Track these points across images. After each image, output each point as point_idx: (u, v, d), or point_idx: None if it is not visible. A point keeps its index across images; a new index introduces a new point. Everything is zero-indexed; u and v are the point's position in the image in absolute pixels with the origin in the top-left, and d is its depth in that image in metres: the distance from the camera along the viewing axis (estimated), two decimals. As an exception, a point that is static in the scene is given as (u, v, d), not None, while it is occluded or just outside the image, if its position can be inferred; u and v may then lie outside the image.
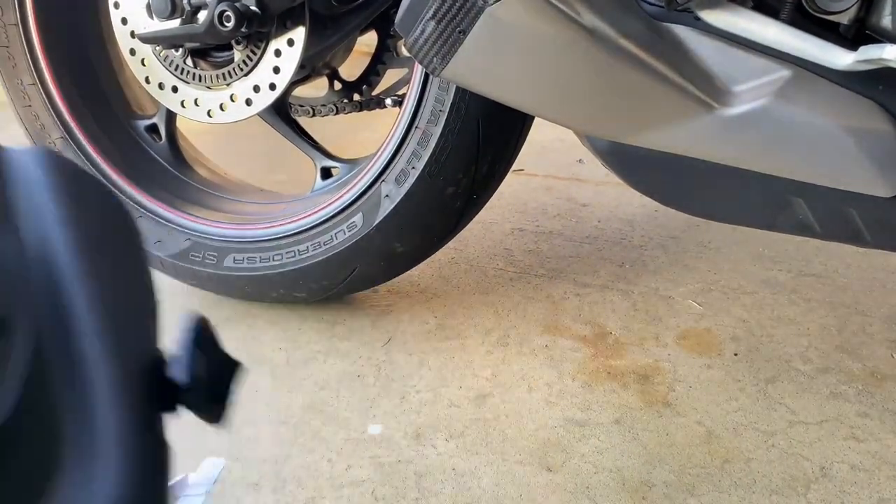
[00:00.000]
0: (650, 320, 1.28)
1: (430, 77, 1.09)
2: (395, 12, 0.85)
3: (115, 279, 0.37)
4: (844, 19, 0.79)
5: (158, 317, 0.40)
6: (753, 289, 1.37)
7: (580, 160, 1.92)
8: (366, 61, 1.36)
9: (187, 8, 1.09)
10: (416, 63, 1.03)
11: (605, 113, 0.86)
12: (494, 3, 0.79)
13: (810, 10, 0.78)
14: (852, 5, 0.77)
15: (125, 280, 0.38)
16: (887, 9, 0.77)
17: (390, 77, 1.37)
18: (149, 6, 1.12)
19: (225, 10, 1.05)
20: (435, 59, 0.83)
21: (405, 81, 1.30)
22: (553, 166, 1.91)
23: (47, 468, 0.32)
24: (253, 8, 1.05)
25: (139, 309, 0.39)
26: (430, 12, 0.81)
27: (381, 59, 1.36)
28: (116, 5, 1.16)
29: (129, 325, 0.37)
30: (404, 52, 1.31)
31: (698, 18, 0.82)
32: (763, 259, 1.47)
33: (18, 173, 0.36)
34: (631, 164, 0.92)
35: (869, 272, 1.43)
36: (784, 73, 0.81)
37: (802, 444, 1.02)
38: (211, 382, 0.37)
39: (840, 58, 0.77)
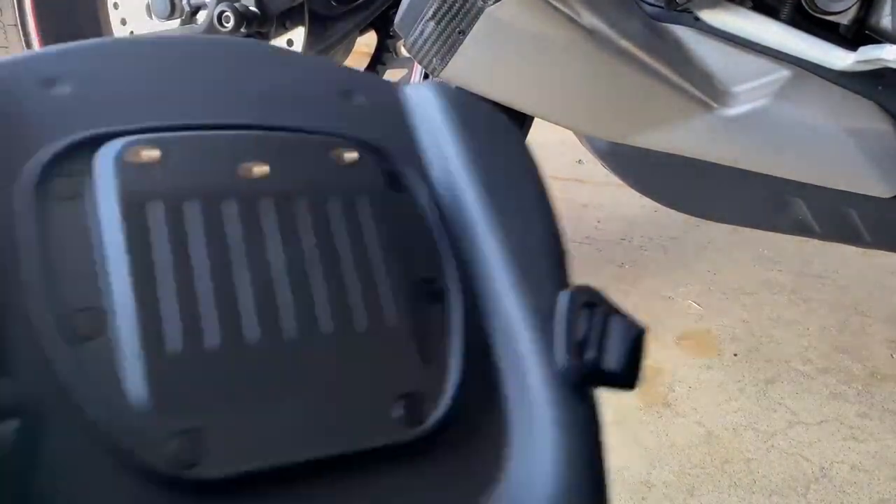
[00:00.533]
0: (650, 321, 1.28)
1: (430, 77, 1.09)
2: (395, 13, 0.85)
3: (525, 229, 0.35)
4: (844, 20, 0.79)
5: (567, 267, 0.37)
6: (753, 289, 1.37)
7: (580, 161, 1.92)
8: (365, 61, 1.36)
9: (186, 8, 1.09)
10: (416, 63, 1.03)
11: (604, 113, 0.86)
12: (494, 3, 0.79)
13: (810, 11, 0.78)
14: (852, 6, 0.77)
15: (535, 229, 0.36)
16: (887, 9, 0.78)
17: (390, 77, 1.37)
18: (148, 7, 1.12)
19: (224, 11, 1.05)
20: (434, 59, 0.83)
21: (405, 82, 1.30)
22: (553, 167, 1.91)
23: (496, 455, 0.31)
24: (252, 8, 1.05)
25: (551, 257, 0.36)
26: (430, 13, 0.81)
27: (380, 60, 1.36)
28: (116, 6, 1.16)
29: (543, 280, 0.34)
30: (404, 52, 1.31)
31: (698, 19, 0.82)
32: (763, 259, 1.47)
33: (421, 110, 0.36)
34: (631, 164, 0.92)
35: (869, 272, 1.43)
36: (784, 73, 0.81)
37: (802, 445, 1.02)
38: (625, 348, 0.34)
39: (840, 58, 0.77)
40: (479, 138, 0.36)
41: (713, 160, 0.87)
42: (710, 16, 0.81)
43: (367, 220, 0.31)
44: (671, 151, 0.87)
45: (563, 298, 0.32)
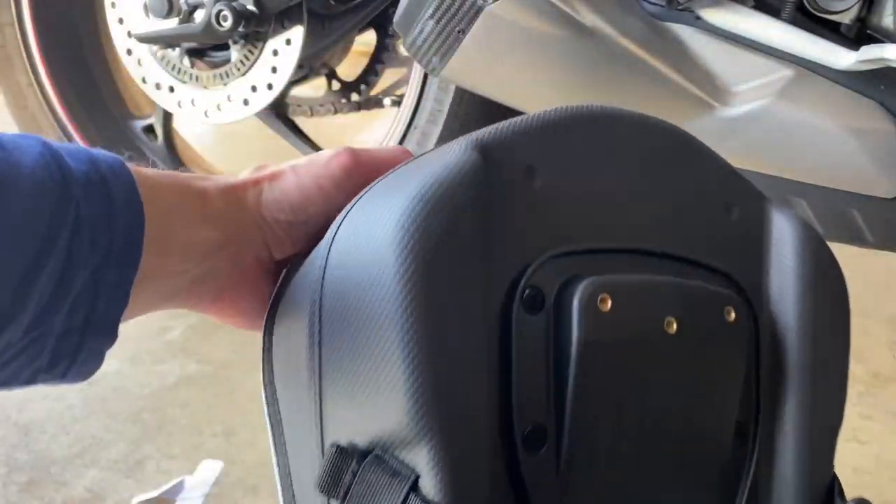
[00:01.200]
0: (650, 321, 1.27)
1: (429, 77, 1.08)
2: (394, 11, 0.85)
3: (826, 404, 0.39)
4: (846, 19, 0.78)
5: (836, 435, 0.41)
6: (754, 290, 1.37)
7: (579, 160, 1.91)
8: (364, 61, 1.36)
9: (184, 7, 1.08)
10: (415, 63, 1.02)
11: (605, 113, 0.85)
12: (494, 2, 0.79)
13: (812, 10, 0.78)
14: (853, 5, 0.77)
15: (833, 404, 0.39)
16: (888, 8, 0.77)
17: (389, 77, 1.36)
18: (145, 6, 1.11)
19: (222, 10, 1.04)
20: (434, 58, 0.83)
21: (404, 81, 1.30)
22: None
23: None
24: (250, 7, 1.05)
25: (834, 437, 0.40)
26: (430, 11, 0.81)
27: (379, 59, 1.35)
28: (113, 5, 1.15)
29: (823, 471, 0.39)
30: (403, 51, 1.30)
31: (699, 18, 0.81)
32: (763, 260, 1.47)
33: (781, 244, 0.39)
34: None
35: (871, 273, 1.42)
36: (785, 72, 0.80)
37: (804, 447, 1.01)
38: None
39: (841, 58, 0.77)
40: (820, 297, 0.39)
41: (714, 160, 0.86)
42: (711, 15, 0.80)
43: (728, 369, 0.36)
44: (672, 151, 0.87)
45: None
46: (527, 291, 0.32)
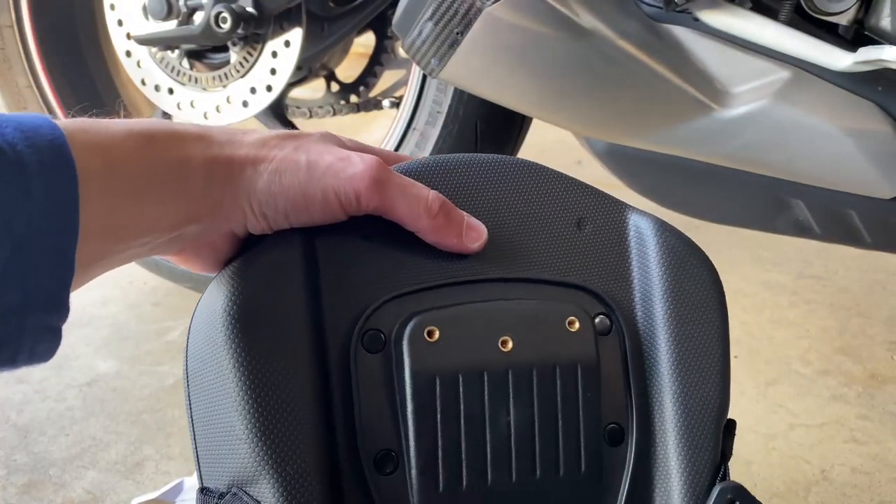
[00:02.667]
0: (649, 322, 1.27)
1: (428, 78, 1.08)
2: (393, 13, 0.85)
3: (701, 392, 0.40)
4: (843, 20, 0.78)
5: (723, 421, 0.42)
6: (753, 290, 1.37)
7: (579, 162, 1.92)
8: (363, 63, 1.36)
9: (183, 9, 1.09)
10: (414, 64, 1.02)
11: (603, 114, 0.85)
12: (492, 3, 0.79)
13: (809, 12, 0.78)
14: (851, 6, 0.77)
15: (710, 390, 0.40)
16: (886, 10, 0.77)
17: (388, 78, 1.36)
18: (145, 8, 1.11)
19: (221, 12, 1.04)
20: (432, 60, 0.83)
21: (403, 83, 1.30)
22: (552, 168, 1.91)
23: None
24: (249, 9, 1.05)
25: (716, 424, 0.41)
26: (428, 13, 0.81)
27: (378, 61, 1.35)
28: (112, 7, 1.15)
29: (704, 453, 0.40)
30: (402, 53, 1.31)
31: (697, 19, 0.81)
32: (763, 261, 1.47)
33: (640, 245, 0.42)
34: (630, 165, 0.91)
35: (869, 274, 1.42)
36: (783, 74, 0.80)
37: (803, 447, 1.01)
38: None
39: (839, 59, 0.77)
40: (684, 289, 0.41)
41: (712, 161, 0.86)
42: (709, 16, 0.81)
43: (580, 377, 0.38)
44: (670, 152, 0.87)
45: (716, 493, 0.39)
46: (367, 333, 0.37)
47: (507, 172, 0.42)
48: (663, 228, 0.42)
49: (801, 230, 0.90)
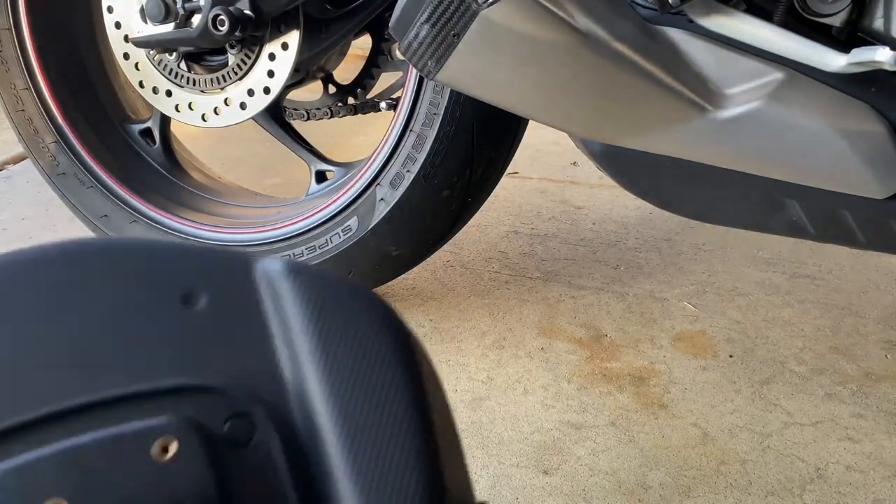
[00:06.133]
0: (645, 322, 1.28)
1: (425, 80, 1.09)
2: (390, 16, 0.85)
3: (376, 419, 0.30)
4: (837, 22, 0.79)
5: (457, 458, 0.32)
6: (748, 290, 1.38)
7: (575, 163, 1.92)
8: (360, 65, 1.36)
9: (181, 12, 1.09)
10: (411, 66, 1.03)
11: (599, 116, 0.86)
12: (489, 6, 0.79)
13: (802, 13, 0.79)
14: (844, 8, 0.78)
15: (390, 420, 0.30)
16: (879, 11, 0.78)
17: (385, 80, 1.37)
18: (143, 10, 1.12)
19: (219, 14, 1.05)
20: (429, 62, 0.83)
21: (400, 85, 1.30)
22: (548, 169, 1.92)
23: None
24: (247, 12, 1.05)
25: (410, 455, 0.30)
26: (425, 16, 0.81)
27: (375, 63, 1.36)
28: (110, 9, 1.16)
29: (389, 474, 0.29)
30: (399, 55, 1.31)
31: (692, 21, 0.82)
32: (757, 261, 1.48)
33: (275, 301, 0.31)
34: (625, 166, 0.92)
35: (863, 273, 1.43)
36: (777, 75, 0.81)
37: (798, 446, 1.02)
38: None
39: (833, 60, 0.78)
40: (340, 342, 0.30)
41: (707, 162, 0.87)
42: (703, 18, 0.81)
43: None
44: (665, 153, 0.87)
45: None
46: None
47: (78, 261, 0.31)
48: (297, 272, 0.31)
49: (796, 230, 0.91)
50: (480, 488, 0.96)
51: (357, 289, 0.32)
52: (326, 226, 1.19)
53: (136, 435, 0.27)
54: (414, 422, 0.30)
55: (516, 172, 1.86)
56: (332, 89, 1.38)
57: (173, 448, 0.28)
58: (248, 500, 0.28)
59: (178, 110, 1.19)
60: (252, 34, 1.09)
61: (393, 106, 1.29)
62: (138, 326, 0.30)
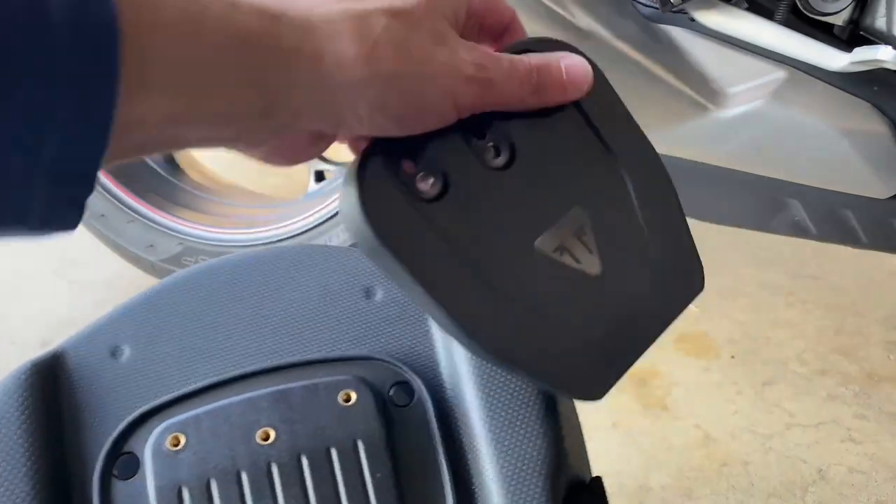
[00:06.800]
0: (646, 323, 1.28)
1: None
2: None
3: (510, 397, 0.37)
4: (839, 21, 0.79)
5: (576, 436, 0.38)
6: (750, 291, 1.37)
7: (575, 163, 1.92)
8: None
9: (180, 11, 1.08)
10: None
11: (600, 115, 0.86)
12: (488, 4, 0.79)
13: (805, 12, 0.78)
14: (846, 7, 0.77)
15: (522, 399, 0.37)
16: (881, 10, 0.77)
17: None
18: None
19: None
20: (429, 61, 0.83)
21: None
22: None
23: None
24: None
25: (537, 427, 0.37)
26: (424, 14, 0.81)
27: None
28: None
29: (519, 440, 0.36)
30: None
31: (693, 20, 0.81)
32: (759, 261, 1.47)
33: None
34: (626, 166, 0.92)
35: (865, 273, 1.43)
36: (779, 74, 0.81)
37: (800, 447, 1.02)
38: None
39: (835, 59, 0.77)
40: None
41: (709, 161, 0.87)
42: (705, 17, 0.81)
43: (363, 456, 0.35)
44: (667, 153, 0.87)
45: None
46: (120, 458, 0.35)
47: (288, 259, 0.41)
48: None
49: (798, 230, 0.90)
50: (480, 490, 0.95)
51: None
52: (326, 226, 1.19)
53: (327, 386, 0.36)
54: (542, 401, 0.37)
55: (517, 172, 1.86)
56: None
57: (353, 397, 0.36)
58: (406, 448, 0.36)
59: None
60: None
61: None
62: (332, 310, 0.40)
